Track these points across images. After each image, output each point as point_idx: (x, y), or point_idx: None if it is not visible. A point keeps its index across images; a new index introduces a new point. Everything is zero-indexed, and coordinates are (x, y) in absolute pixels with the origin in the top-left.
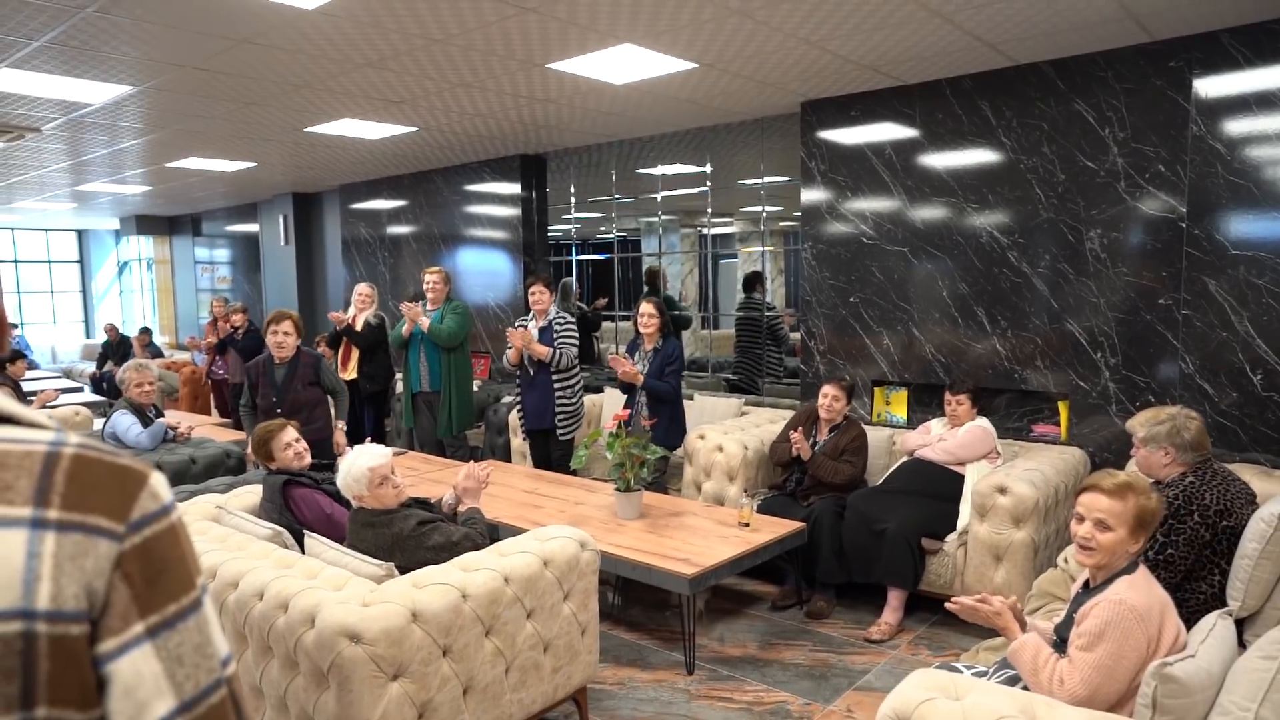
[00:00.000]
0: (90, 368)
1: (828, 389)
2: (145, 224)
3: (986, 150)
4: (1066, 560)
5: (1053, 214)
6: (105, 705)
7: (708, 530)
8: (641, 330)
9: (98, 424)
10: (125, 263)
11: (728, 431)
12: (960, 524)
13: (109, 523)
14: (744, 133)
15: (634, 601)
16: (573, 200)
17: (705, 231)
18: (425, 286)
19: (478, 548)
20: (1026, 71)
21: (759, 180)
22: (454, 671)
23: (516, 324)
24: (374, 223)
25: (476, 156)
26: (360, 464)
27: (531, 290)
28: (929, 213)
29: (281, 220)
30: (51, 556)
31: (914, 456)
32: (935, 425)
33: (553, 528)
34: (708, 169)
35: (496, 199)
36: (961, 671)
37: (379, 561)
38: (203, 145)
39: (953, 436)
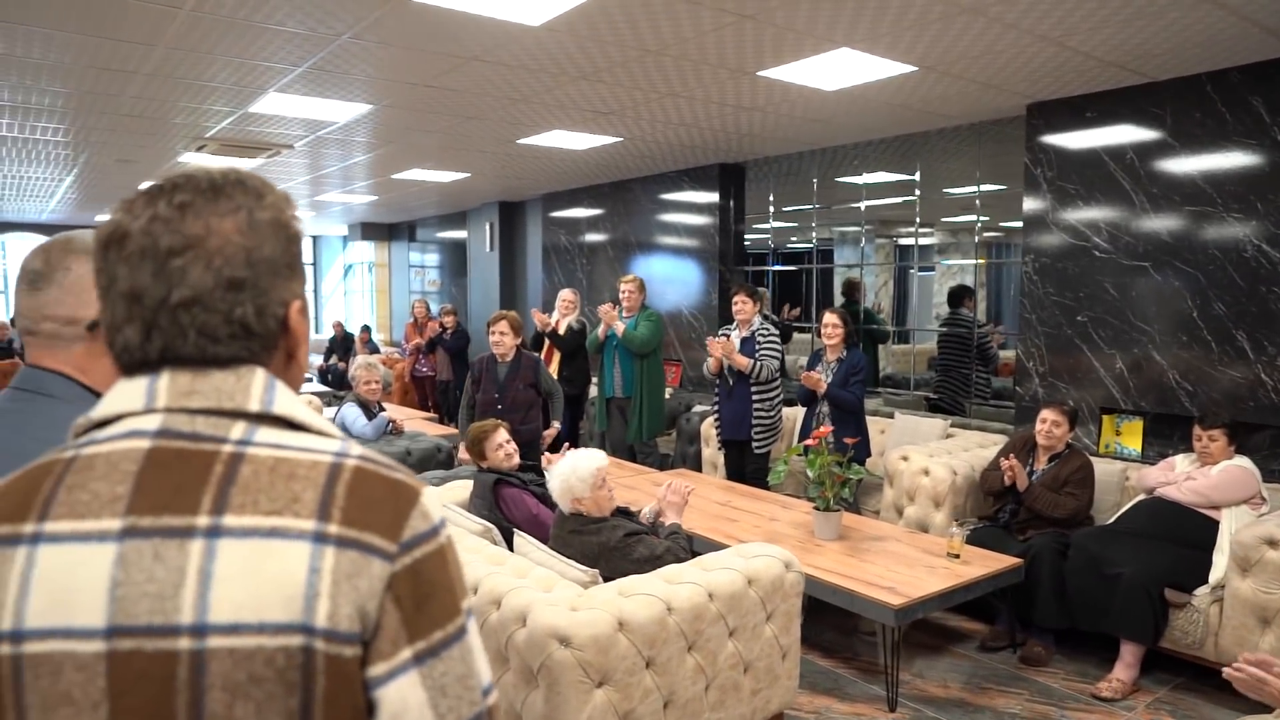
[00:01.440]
0: (319, 360)
1: (1047, 413)
2: (369, 230)
3: (1256, 151)
4: None
5: None
6: None
7: (913, 559)
8: (825, 341)
9: (328, 412)
10: (350, 266)
11: (933, 454)
12: (1214, 576)
13: (383, 542)
14: (956, 139)
15: (829, 628)
16: (771, 209)
17: (901, 242)
18: (621, 294)
19: (679, 561)
20: None
21: (972, 189)
22: (656, 684)
23: (720, 333)
24: (573, 230)
25: (676, 165)
26: (588, 465)
27: (735, 300)
28: (1177, 223)
29: (487, 227)
30: (331, 573)
31: (1154, 495)
32: (1180, 462)
33: (756, 545)
34: (916, 177)
35: (693, 207)
36: None
37: (585, 567)
38: (424, 158)
39: (1204, 476)
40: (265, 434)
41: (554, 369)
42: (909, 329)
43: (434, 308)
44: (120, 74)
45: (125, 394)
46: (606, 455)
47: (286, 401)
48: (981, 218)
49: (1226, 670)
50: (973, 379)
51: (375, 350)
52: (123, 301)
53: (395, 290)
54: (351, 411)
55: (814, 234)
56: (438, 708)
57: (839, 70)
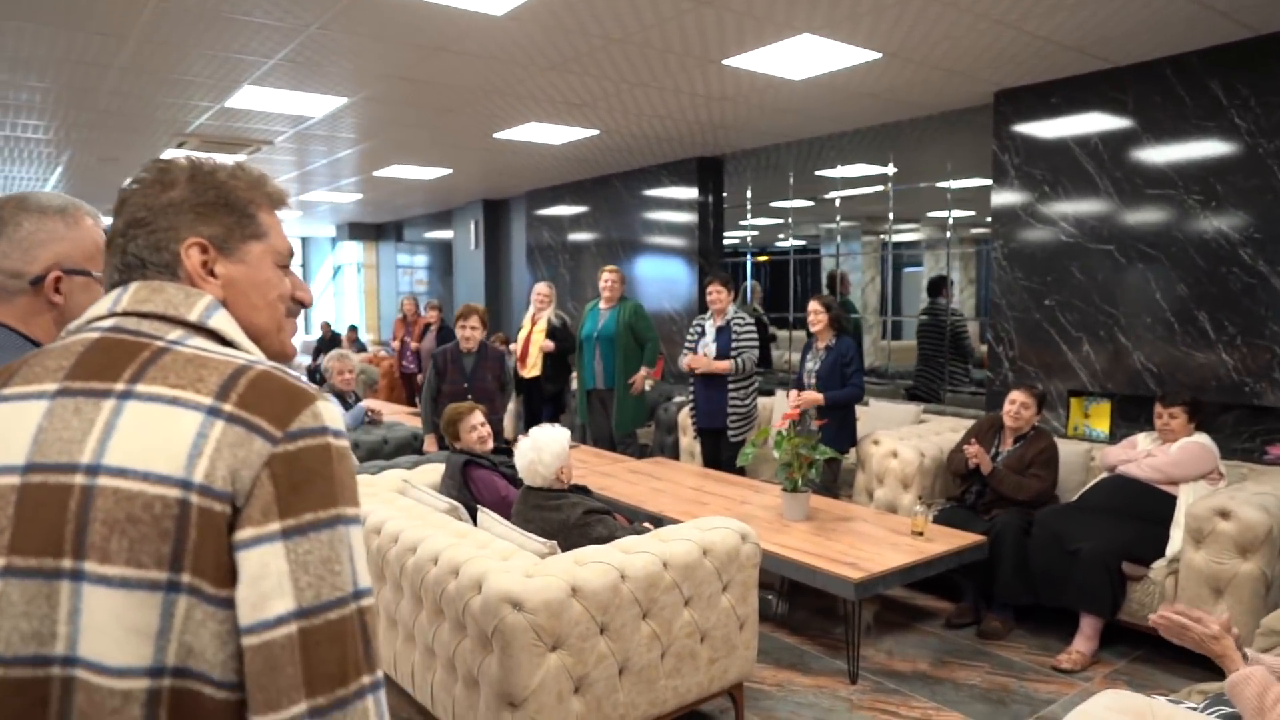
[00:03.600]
0: (307, 360)
1: (1015, 395)
2: (356, 230)
3: (1216, 137)
4: None
5: None
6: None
7: (878, 537)
8: (811, 328)
9: None
10: (339, 267)
11: (903, 438)
12: (1170, 549)
13: (269, 426)
14: (930, 128)
15: (800, 609)
16: (749, 205)
17: (886, 238)
18: (602, 284)
19: None
20: (1269, 42)
21: (957, 182)
22: (610, 650)
23: (694, 323)
24: (556, 228)
25: (655, 160)
26: (561, 441)
27: (710, 289)
28: (1142, 208)
29: (472, 226)
30: (215, 440)
31: (1116, 473)
32: (1142, 440)
33: (714, 518)
34: (889, 170)
35: (673, 203)
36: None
37: (543, 540)
38: (404, 153)
39: (1164, 453)
40: (198, 340)
41: (536, 364)
42: (891, 323)
43: (422, 306)
44: (95, 67)
45: (102, 302)
46: (575, 444)
47: (224, 321)
48: (964, 212)
49: (1152, 617)
50: (946, 366)
51: (363, 349)
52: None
53: (383, 291)
54: None
55: (791, 232)
56: (298, 581)
57: (803, 58)
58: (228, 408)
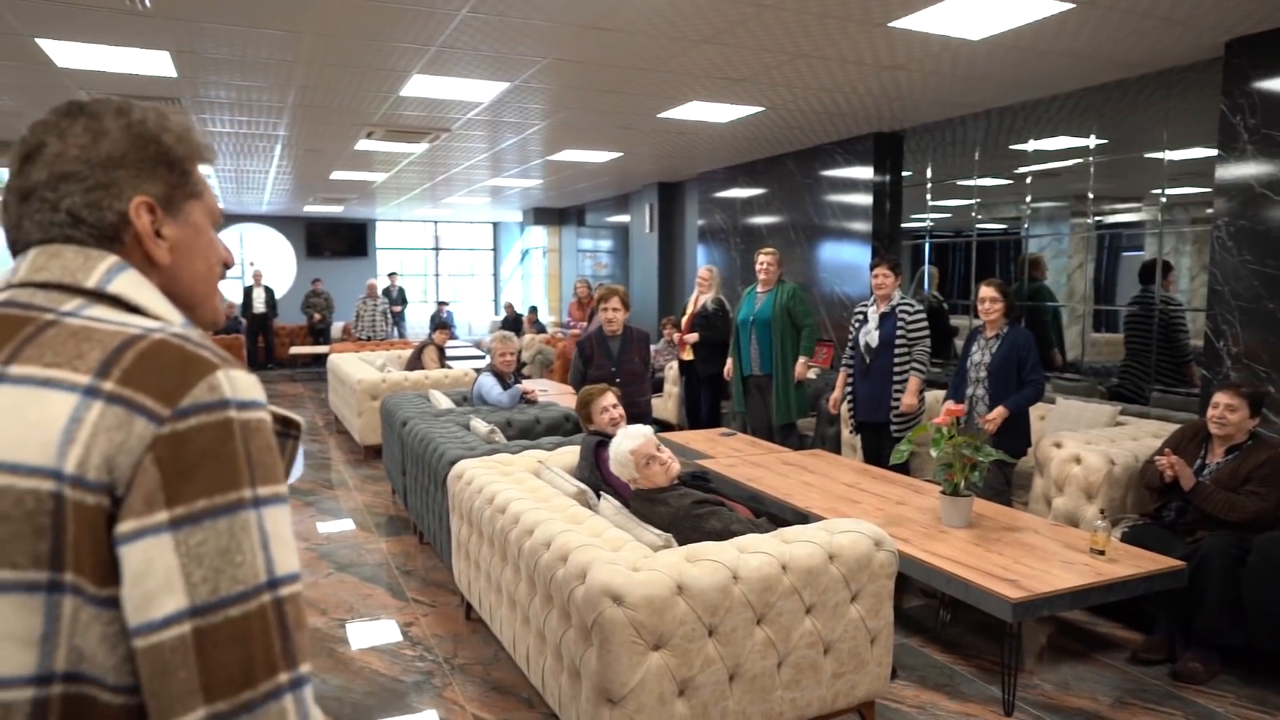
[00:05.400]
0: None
1: (1219, 397)
2: (541, 215)
3: None
4: None
5: None
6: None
7: (1049, 552)
8: (983, 316)
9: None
10: (526, 251)
11: (1091, 441)
12: None
13: (154, 404)
14: (1143, 90)
15: (960, 623)
16: (929, 185)
17: (1089, 219)
18: (758, 267)
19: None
20: None
21: (1160, 154)
22: (719, 654)
23: (856, 310)
24: (729, 210)
25: (828, 137)
26: (623, 448)
27: (875, 273)
28: None
29: (647, 209)
30: (91, 425)
31: None
32: None
33: (847, 521)
34: (1090, 142)
35: (849, 183)
36: None
37: (659, 532)
38: (575, 137)
39: None
40: (95, 310)
41: (689, 347)
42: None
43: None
44: (283, 64)
45: (3, 274)
46: (732, 432)
47: (128, 284)
48: (1192, 189)
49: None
50: (1154, 363)
51: (542, 330)
52: (3, 196)
53: (565, 274)
54: (488, 381)
55: (983, 214)
56: (190, 576)
57: (980, 13)
58: (108, 386)
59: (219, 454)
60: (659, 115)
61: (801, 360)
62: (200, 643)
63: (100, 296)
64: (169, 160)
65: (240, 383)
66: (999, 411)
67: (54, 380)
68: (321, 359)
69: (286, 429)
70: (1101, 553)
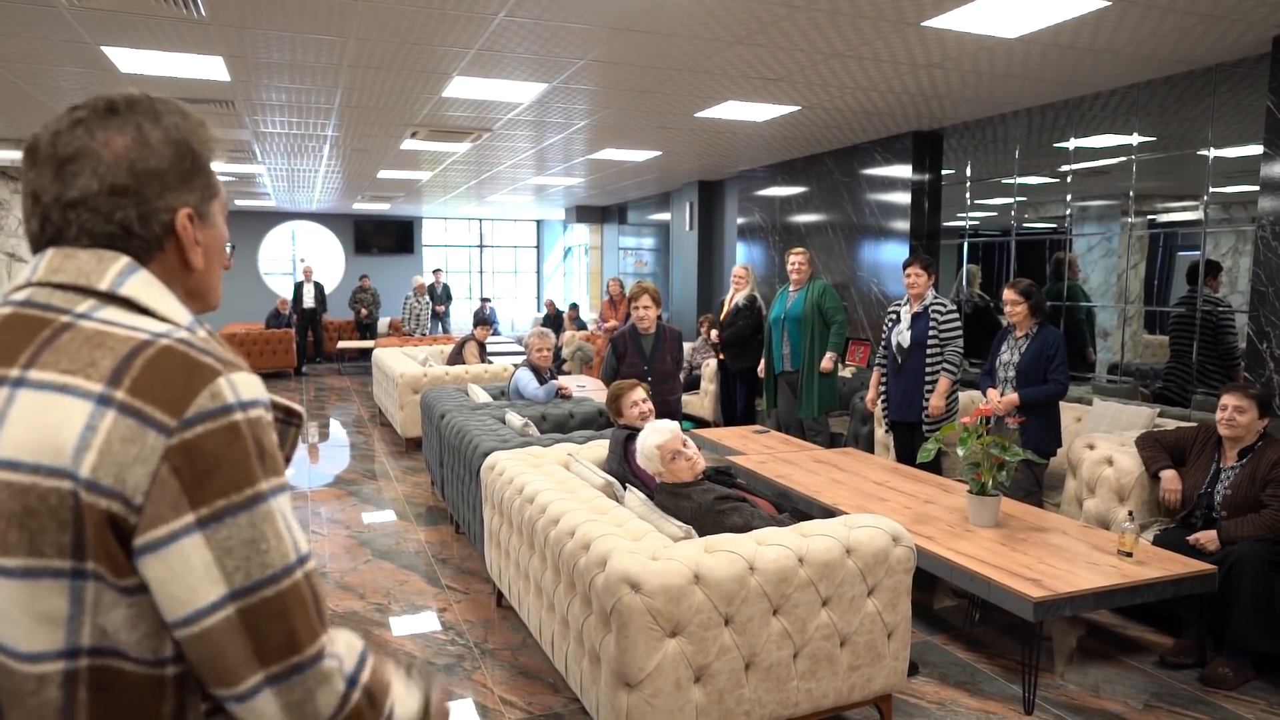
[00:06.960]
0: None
1: (1227, 399)
2: (583, 214)
3: None
4: None
5: None
6: (154, 589)
7: (1075, 553)
8: (1010, 319)
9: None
10: (569, 248)
11: (1125, 443)
12: None
13: (162, 415)
14: (1191, 88)
15: (987, 622)
16: (968, 184)
17: (1130, 218)
18: (789, 267)
19: None
20: None
21: (1206, 151)
22: (735, 643)
23: (889, 310)
24: (767, 209)
25: (866, 136)
26: (649, 442)
27: (908, 272)
28: None
29: (688, 207)
30: (105, 433)
31: None
32: None
33: (866, 516)
34: (1133, 140)
35: (888, 182)
36: None
37: (680, 524)
38: (615, 137)
39: None
40: (107, 312)
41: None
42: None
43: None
44: (330, 67)
45: (23, 272)
46: (765, 429)
47: (139, 287)
48: (1246, 187)
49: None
50: (1197, 366)
51: (582, 327)
52: (29, 199)
53: (606, 271)
54: (525, 375)
55: (1030, 211)
56: (224, 566)
57: (1015, 12)
58: (119, 395)
59: (230, 456)
60: (696, 115)
61: (829, 355)
62: (245, 621)
63: (112, 298)
64: (201, 168)
65: (241, 384)
66: (1010, 398)
67: (70, 387)
68: (367, 353)
69: (289, 418)
70: (1129, 554)
